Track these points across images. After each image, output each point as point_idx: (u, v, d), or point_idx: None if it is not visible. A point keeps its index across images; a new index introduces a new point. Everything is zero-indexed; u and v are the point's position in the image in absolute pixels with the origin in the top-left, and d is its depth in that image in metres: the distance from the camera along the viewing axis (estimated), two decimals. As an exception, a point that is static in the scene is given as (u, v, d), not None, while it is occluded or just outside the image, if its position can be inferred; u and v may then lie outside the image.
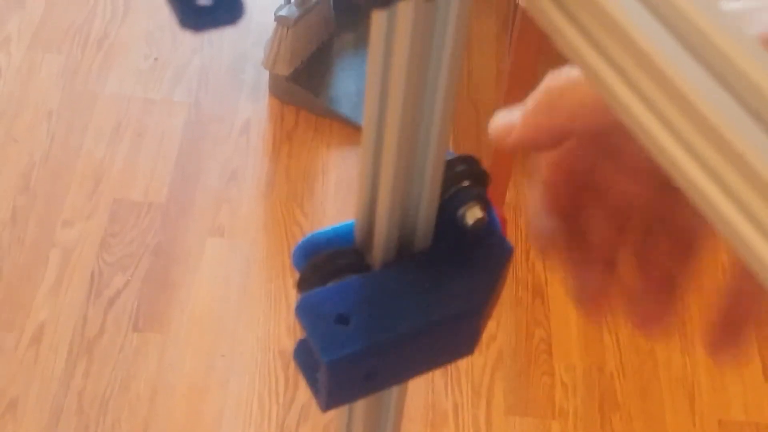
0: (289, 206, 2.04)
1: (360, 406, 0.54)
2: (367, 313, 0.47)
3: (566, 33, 0.34)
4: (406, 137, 0.43)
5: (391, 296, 0.47)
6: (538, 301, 1.93)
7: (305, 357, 0.48)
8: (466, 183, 0.50)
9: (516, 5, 2.10)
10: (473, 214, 0.49)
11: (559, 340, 1.88)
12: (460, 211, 0.49)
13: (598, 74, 0.33)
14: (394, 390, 0.55)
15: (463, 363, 1.84)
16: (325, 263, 0.48)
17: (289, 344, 1.84)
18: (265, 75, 2.22)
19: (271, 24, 2.11)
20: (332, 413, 1.68)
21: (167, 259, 1.94)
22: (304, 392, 1.79)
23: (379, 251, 0.48)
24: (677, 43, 0.30)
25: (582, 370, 1.85)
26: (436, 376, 1.82)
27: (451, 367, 1.83)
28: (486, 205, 0.50)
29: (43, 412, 1.74)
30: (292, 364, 1.82)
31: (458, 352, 0.51)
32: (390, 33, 0.39)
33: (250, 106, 2.21)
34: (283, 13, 2.09)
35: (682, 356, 1.87)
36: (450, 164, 0.48)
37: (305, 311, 0.46)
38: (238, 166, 2.10)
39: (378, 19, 0.39)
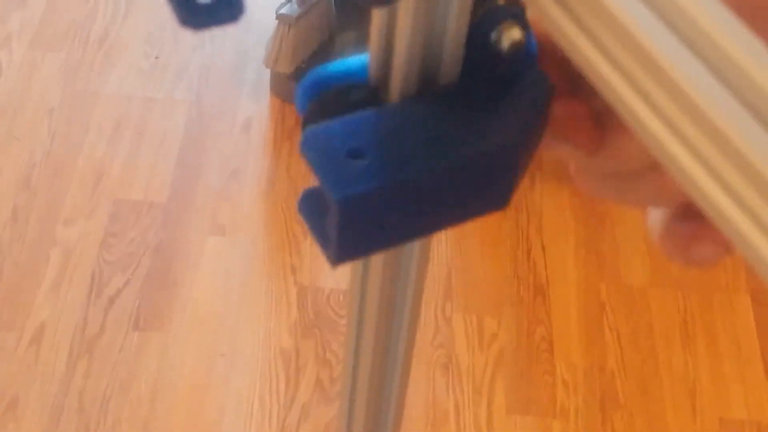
0: (290, 205, 2.04)
1: (361, 402, 0.54)
2: (384, 149, 0.40)
3: (567, 30, 0.34)
4: None
5: (413, 131, 0.41)
6: (539, 300, 1.93)
7: (312, 205, 0.42)
8: (500, 1, 0.42)
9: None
10: (510, 36, 0.42)
11: (561, 338, 1.88)
12: (494, 33, 0.42)
13: (598, 71, 0.33)
14: (395, 384, 0.54)
15: (464, 362, 1.84)
16: (335, 99, 0.42)
17: (290, 343, 1.84)
18: (267, 73, 2.21)
19: (272, 22, 2.11)
20: (333, 412, 1.68)
21: (168, 258, 1.94)
22: (304, 391, 1.79)
23: (397, 84, 0.42)
24: (682, 44, 0.30)
25: (583, 369, 1.85)
26: (437, 374, 1.82)
27: (451, 366, 1.83)
28: (524, 26, 0.42)
29: (44, 411, 1.74)
30: (293, 363, 1.82)
31: (488, 204, 0.44)
32: (390, 30, 0.39)
33: (251, 104, 2.21)
34: (284, 11, 2.09)
35: (683, 355, 1.87)
36: None
37: (312, 146, 0.40)
38: (239, 164, 2.10)
39: (378, 16, 0.39)
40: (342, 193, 0.39)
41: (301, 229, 2.00)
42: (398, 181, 0.40)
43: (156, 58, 2.27)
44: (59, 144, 2.09)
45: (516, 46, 0.42)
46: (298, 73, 2.17)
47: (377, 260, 0.48)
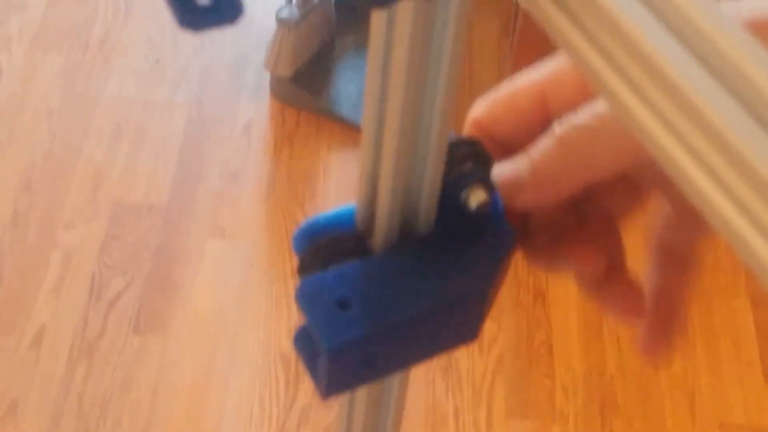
0: (290, 207, 2.04)
1: (360, 405, 0.54)
2: (368, 298, 0.45)
3: (568, 34, 0.34)
4: (408, 123, 0.42)
5: (393, 280, 0.46)
6: (539, 304, 1.93)
7: (305, 344, 0.47)
8: (469, 165, 0.48)
9: (518, 9, 2.10)
10: (477, 197, 0.48)
11: (560, 342, 1.88)
12: (463, 194, 0.48)
13: (600, 76, 0.33)
14: (395, 388, 0.54)
15: (463, 365, 1.84)
16: (326, 248, 0.47)
17: (289, 346, 1.84)
18: (266, 76, 2.21)
19: (272, 25, 2.11)
20: (332, 415, 1.68)
21: (168, 261, 1.94)
22: (304, 394, 1.79)
23: (380, 235, 0.47)
24: (681, 45, 0.30)
25: (582, 373, 1.85)
26: (437, 378, 1.82)
27: (451, 370, 1.83)
28: (490, 188, 0.49)
29: (44, 414, 1.74)
30: (293, 367, 1.82)
31: (461, 337, 0.50)
32: (389, 33, 0.40)
33: (251, 107, 2.21)
34: (284, 14, 2.09)
35: (683, 359, 1.87)
36: (452, 146, 0.47)
37: (305, 296, 0.45)
38: (239, 167, 2.10)
39: (378, 19, 0.39)
40: (331, 341, 0.44)
41: (300, 233, 1.99)
42: (381, 328, 0.45)
43: (156, 61, 2.27)
44: (59, 147, 2.09)
45: (483, 206, 0.48)
46: (297, 76, 2.17)
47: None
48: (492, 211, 0.49)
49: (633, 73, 0.31)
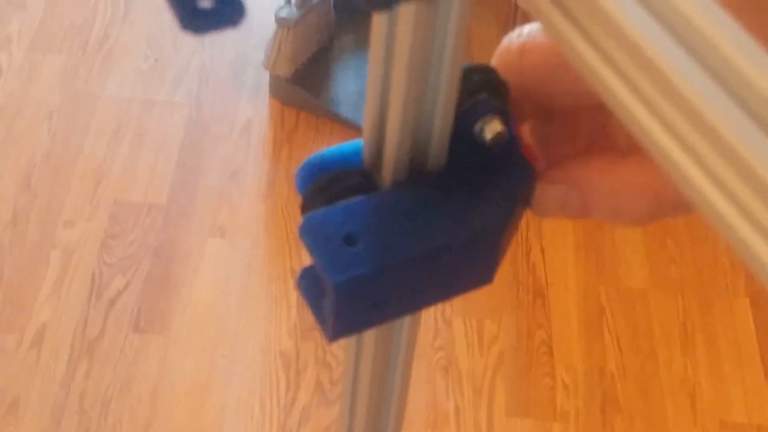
0: (289, 207, 2.04)
1: (362, 404, 0.54)
2: (377, 234, 0.43)
3: (566, 34, 0.34)
4: (418, 48, 0.40)
5: (403, 217, 0.44)
6: (539, 303, 1.93)
7: (309, 284, 0.45)
8: (484, 94, 0.46)
9: (517, 9, 2.10)
10: (492, 128, 0.45)
11: (560, 341, 1.88)
12: (478, 125, 0.46)
13: (598, 74, 0.33)
14: (396, 387, 0.54)
15: (464, 364, 1.84)
16: (331, 184, 0.45)
17: (290, 346, 1.84)
18: (266, 76, 2.21)
19: (271, 25, 2.11)
20: (333, 414, 1.68)
21: (168, 260, 1.94)
22: (305, 394, 1.79)
23: (389, 170, 0.45)
24: (678, 44, 0.30)
25: (583, 372, 1.85)
26: (437, 377, 1.82)
27: (452, 369, 1.83)
28: (506, 119, 0.46)
29: (45, 413, 1.74)
30: (294, 365, 1.82)
31: (475, 280, 0.48)
32: (390, 35, 0.39)
33: (250, 107, 2.21)
34: (283, 14, 2.09)
35: (683, 358, 1.87)
36: (466, 74, 0.45)
37: (310, 231, 0.43)
38: (238, 167, 2.10)
39: (378, 20, 0.39)
40: (338, 278, 0.42)
41: (300, 232, 1.99)
42: (389, 265, 0.43)
43: (156, 60, 2.27)
44: (59, 146, 2.09)
45: (498, 137, 0.45)
46: (297, 76, 2.17)
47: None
48: (508, 145, 0.47)
49: (630, 71, 0.31)
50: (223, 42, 2.31)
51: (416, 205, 0.45)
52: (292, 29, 2.10)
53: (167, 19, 2.29)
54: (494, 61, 0.49)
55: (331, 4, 2.22)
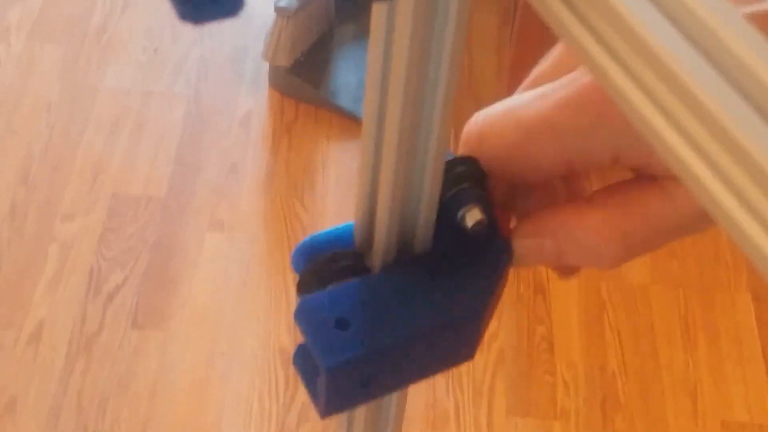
0: (289, 200, 2.03)
1: (360, 408, 0.54)
2: (366, 318, 0.46)
3: (568, 24, 0.33)
4: (407, 132, 0.43)
5: (391, 299, 0.47)
6: (539, 299, 1.93)
7: (304, 362, 0.47)
8: (465, 184, 0.49)
9: (516, 6, 2.10)
10: (473, 216, 0.48)
11: (561, 338, 1.88)
12: (460, 213, 0.48)
13: (600, 66, 0.32)
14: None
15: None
16: (325, 266, 0.47)
17: (289, 342, 1.84)
18: (265, 67, 2.21)
19: (271, 15, 2.11)
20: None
21: (166, 254, 1.94)
22: (304, 391, 1.78)
23: (378, 253, 0.47)
24: (680, 34, 0.30)
25: (584, 370, 1.85)
26: (437, 375, 1.82)
27: (452, 365, 1.83)
28: (486, 207, 0.49)
29: (42, 410, 1.74)
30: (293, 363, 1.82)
31: (459, 356, 0.50)
32: (390, 25, 0.40)
33: (250, 98, 2.20)
34: (282, 4, 2.09)
35: (685, 356, 1.87)
36: (449, 165, 0.47)
37: (304, 316, 0.45)
38: (237, 158, 2.09)
39: (378, 10, 0.39)
40: (329, 361, 0.44)
41: (300, 225, 2.00)
42: (379, 348, 0.45)
43: (154, 51, 2.26)
44: (58, 138, 2.08)
45: (478, 225, 0.48)
46: (296, 66, 2.16)
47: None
48: (489, 230, 0.49)
49: (633, 62, 0.31)
50: (222, 33, 2.30)
51: (404, 287, 0.47)
52: (291, 19, 2.09)
53: (166, 10, 2.28)
54: (460, 149, 0.52)
55: (331, -7, 2.22)
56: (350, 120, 2.14)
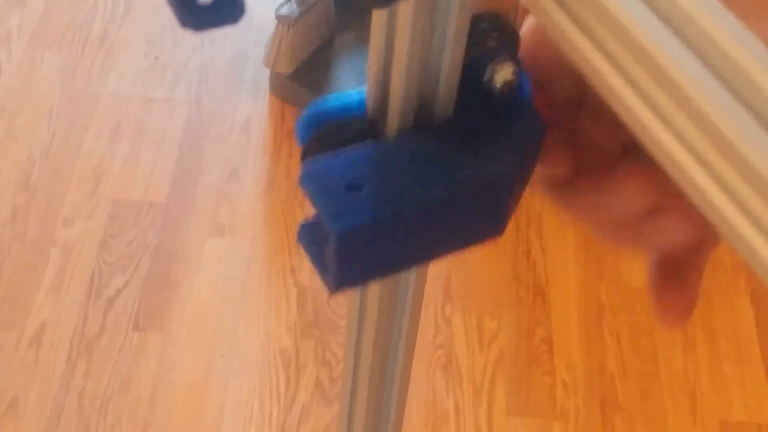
0: (289, 205, 2.03)
1: (361, 402, 0.54)
2: (381, 182, 0.42)
3: (568, 32, 0.34)
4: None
5: (409, 165, 0.43)
6: (539, 301, 1.92)
7: (311, 237, 0.44)
8: (493, 41, 0.44)
9: (518, 5, 2.10)
10: (502, 76, 0.44)
11: (560, 339, 1.88)
12: (487, 73, 0.44)
13: (599, 72, 0.33)
14: (396, 386, 0.54)
15: (464, 363, 1.84)
16: (334, 134, 0.44)
17: (289, 344, 1.84)
18: (266, 73, 2.21)
19: (272, 22, 2.11)
20: (333, 413, 1.67)
21: (167, 258, 1.94)
22: (304, 392, 1.79)
23: (394, 119, 0.44)
24: (679, 42, 0.30)
25: (583, 370, 1.84)
26: (437, 375, 1.82)
27: (451, 367, 1.83)
28: (517, 67, 0.44)
29: (44, 411, 1.73)
30: (293, 364, 1.82)
31: (484, 232, 0.46)
32: (390, 32, 0.39)
33: (250, 104, 2.21)
34: (284, 11, 2.09)
35: (684, 356, 1.87)
36: (475, 20, 0.42)
37: (312, 179, 0.41)
38: (238, 164, 2.09)
39: (378, 17, 0.39)
40: (340, 225, 0.40)
41: (300, 230, 1.99)
42: (394, 213, 0.41)
43: (155, 57, 2.27)
44: (59, 144, 2.09)
45: (508, 86, 0.44)
46: (297, 73, 2.17)
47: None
48: (518, 95, 0.45)
49: (631, 67, 0.31)
50: (222, 39, 2.31)
51: (423, 154, 0.43)
52: (292, 27, 2.10)
53: (167, 16, 2.28)
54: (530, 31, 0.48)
55: (332, 1, 2.22)
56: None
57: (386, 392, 0.54)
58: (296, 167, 2.10)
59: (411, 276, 0.50)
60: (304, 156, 0.44)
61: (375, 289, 0.50)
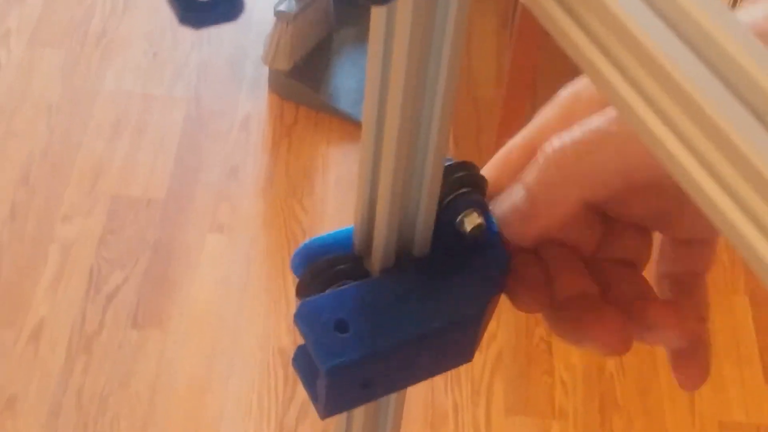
0: (288, 202, 2.04)
1: (359, 407, 0.54)
2: (366, 320, 0.46)
3: (566, 29, 0.34)
4: (406, 136, 0.43)
5: (390, 303, 0.47)
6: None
7: (304, 363, 0.47)
8: (464, 189, 0.49)
9: (516, 3, 2.10)
10: (472, 221, 0.48)
11: (560, 339, 1.88)
12: (459, 218, 0.49)
13: (599, 72, 0.33)
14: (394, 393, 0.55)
15: (462, 362, 1.84)
16: (324, 269, 0.48)
17: (288, 342, 1.84)
18: (265, 70, 2.21)
19: (270, 19, 2.11)
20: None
21: (166, 255, 1.94)
22: (303, 390, 1.79)
23: (378, 257, 0.48)
24: (680, 41, 0.30)
25: (582, 370, 1.85)
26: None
27: (450, 366, 1.83)
28: (484, 212, 0.49)
29: (42, 408, 1.74)
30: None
31: (457, 358, 0.51)
32: (390, 28, 0.40)
33: (249, 101, 2.21)
34: (282, 8, 2.09)
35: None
36: (448, 170, 0.47)
37: (304, 318, 0.46)
38: (237, 161, 2.10)
39: (377, 14, 0.39)
40: (329, 364, 0.45)
41: (299, 227, 2.00)
42: (378, 350, 0.46)
43: (155, 55, 2.27)
44: (58, 141, 2.09)
45: (477, 229, 0.48)
46: (296, 70, 2.17)
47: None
48: (487, 234, 0.49)
49: (632, 68, 0.31)
50: (222, 37, 2.31)
51: (403, 291, 0.48)
52: (291, 23, 2.10)
53: (166, 14, 2.28)
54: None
55: (331, -2, 2.22)
56: (349, 123, 2.15)
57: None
58: (295, 164, 2.10)
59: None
60: (300, 288, 0.48)
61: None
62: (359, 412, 0.53)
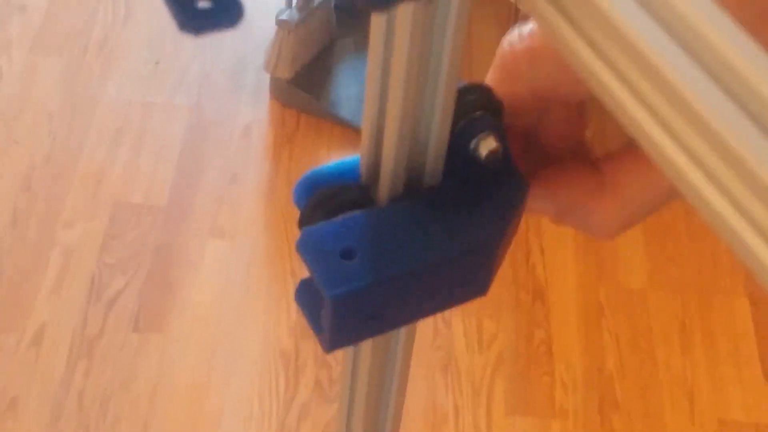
0: (289, 209, 2.04)
1: (360, 400, 0.54)
2: (373, 249, 0.45)
3: (566, 36, 0.34)
4: (415, 59, 0.41)
5: (399, 231, 0.46)
6: (538, 303, 1.93)
7: (307, 297, 0.47)
8: (479, 113, 0.47)
9: (516, 10, 2.11)
10: (487, 145, 0.47)
11: (560, 341, 1.88)
12: (473, 143, 0.47)
13: (597, 76, 0.33)
14: (394, 386, 0.54)
15: (463, 363, 1.84)
16: (329, 199, 0.46)
17: (289, 345, 1.84)
18: (266, 78, 2.22)
19: (272, 28, 2.12)
20: (332, 411, 1.68)
21: (168, 260, 1.94)
22: (304, 391, 1.79)
23: (385, 186, 0.46)
24: (677, 46, 0.30)
25: (582, 370, 1.84)
26: (437, 376, 1.82)
27: (451, 368, 1.83)
28: (501, 136, 0.47)
29: (44, 411, 1.74)
30: (293, 364, 1.82)
31: (470, 292, 0.49)
32: (389, 35, 0.40)
33: (251, 109, 2.21)
34: (284, 16, 2.10)
35: (682, 356, 1.87)
36: (461, 93, 0.46)
37: (308, 246, 0.45)
38: (239, 169, 2.10)
39: (377, 21, 0.39)
40: (335, 291, 0.43)
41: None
42: (386, 279, 0.44)
43: (156, 63, 2.27)
44: (59, 148, 2.09)
45: (493, 154, 0.47)
46: (297, 78, 2.17)
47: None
48: (503, 162, 0.48)
49: (627, 70, 0.31)
50: (223, 45, 2.31)
51: (413, 220, 0.46)
52: (292, 32, 2.10)
53: (168, 22, 2.28)
54: (497, 68, 0.50)
55: (332, 6, 2.22)
56: (351, 131, 2.15)
57: (384, 393, 0.54)
58: (296, 171, 2.10)
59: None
60: (301, 221, 0.47)
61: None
62: (359, 410, 0.53)
